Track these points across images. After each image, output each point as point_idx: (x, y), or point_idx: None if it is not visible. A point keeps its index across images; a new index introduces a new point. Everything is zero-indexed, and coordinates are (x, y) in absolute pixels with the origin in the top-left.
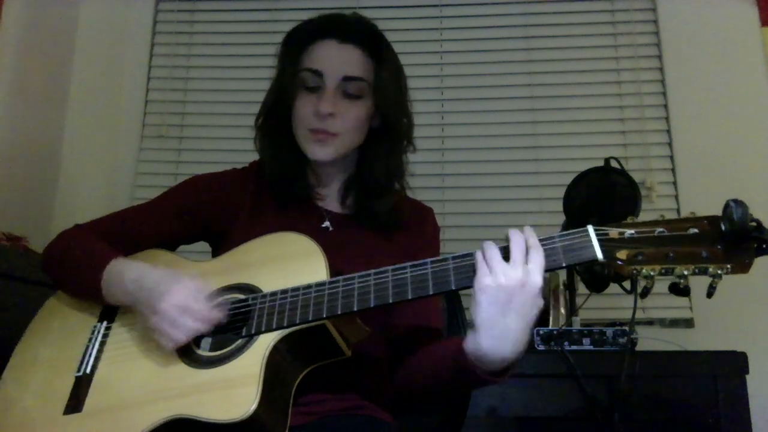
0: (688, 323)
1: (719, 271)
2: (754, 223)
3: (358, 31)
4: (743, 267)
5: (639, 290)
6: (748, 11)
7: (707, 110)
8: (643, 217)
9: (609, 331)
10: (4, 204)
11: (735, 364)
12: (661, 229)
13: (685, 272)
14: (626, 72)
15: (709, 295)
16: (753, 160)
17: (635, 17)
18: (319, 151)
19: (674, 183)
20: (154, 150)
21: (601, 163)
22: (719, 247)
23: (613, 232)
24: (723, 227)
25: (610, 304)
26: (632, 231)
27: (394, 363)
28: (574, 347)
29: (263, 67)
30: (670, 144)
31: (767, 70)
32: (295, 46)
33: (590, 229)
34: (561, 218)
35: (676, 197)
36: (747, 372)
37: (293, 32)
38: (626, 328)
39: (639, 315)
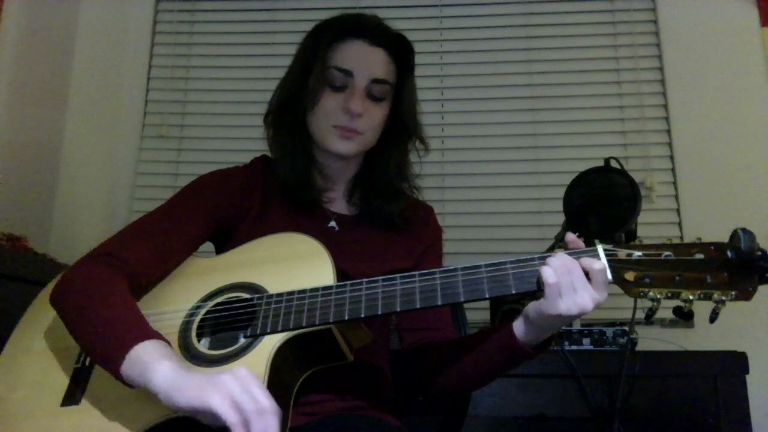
0: (688, 323)
1: (723, 298)
2: (759, 252)
3: (388, 35)
4: (747, 295)
5: (644, 315)
6: (748, 11)
7: (707, 110)
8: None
9: (609, 331)
10: (4, 204)
11: (735, 364)
12: (668, 253)
13: (691, 297)
14: (626, 72)
15: (712, 320)
16: (753, 159)
17: (635, 17)
18: (342, 146)
19: (674, 183)
20: (154, 150)
21: (601, 163)
22: (725, 273)
23: (621, 253)
24: (729, 254)
25: (610, 304)
26: (640, 253)
27: (415, 364)
28: (574, 347)
29: (263, 67)
30: (670, 144)
31: (767, 70)
32: (324, 41)
33: (600, 249)
34: (561, 218)
35: (676, 197)
36: (747, 372)
37: (321, 27)
38: (626, 328)
39: (639, 315)
